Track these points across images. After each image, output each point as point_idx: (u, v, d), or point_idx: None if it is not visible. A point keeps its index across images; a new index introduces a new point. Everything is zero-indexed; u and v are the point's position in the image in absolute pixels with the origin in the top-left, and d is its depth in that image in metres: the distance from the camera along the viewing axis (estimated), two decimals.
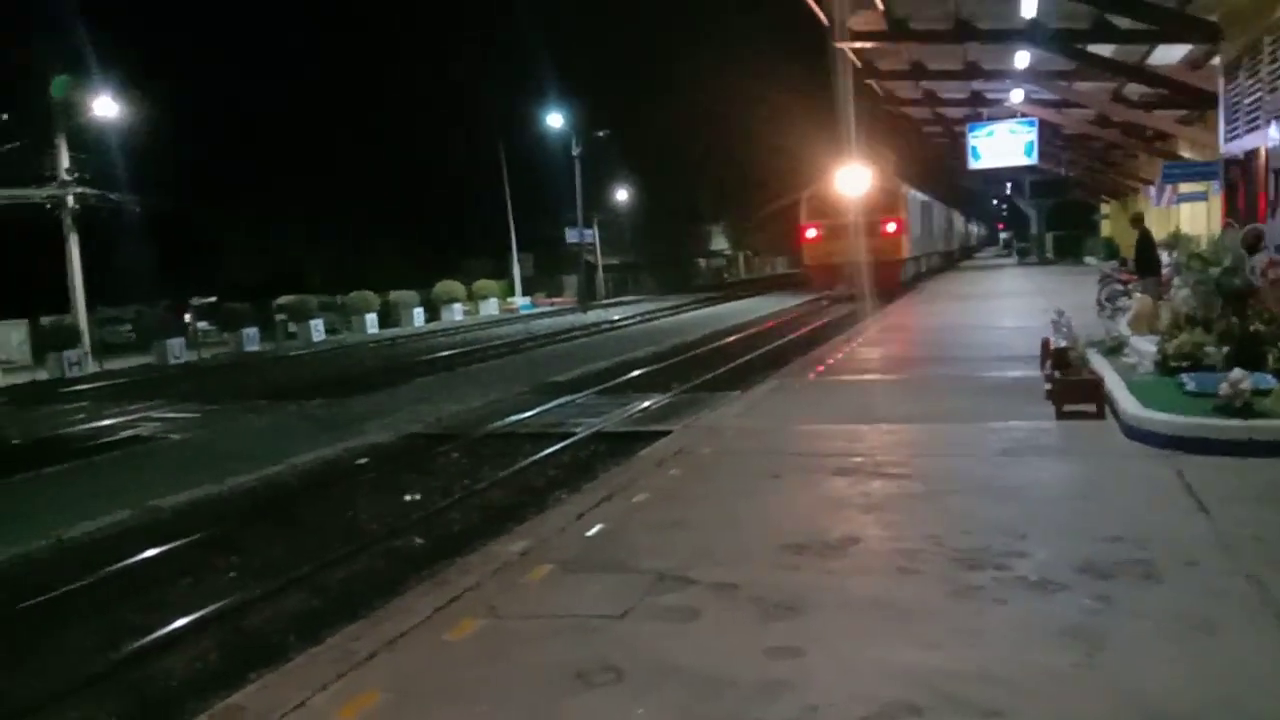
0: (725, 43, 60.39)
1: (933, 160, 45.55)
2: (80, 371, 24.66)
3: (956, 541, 5.13)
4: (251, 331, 30.68)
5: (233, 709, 3.86)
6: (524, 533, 6.04)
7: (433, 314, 39.57)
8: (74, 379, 23.53)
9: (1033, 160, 27.95)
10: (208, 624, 6.03)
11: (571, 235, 49.87)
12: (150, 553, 7.38)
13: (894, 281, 31.12)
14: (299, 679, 4.04)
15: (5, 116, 26.83)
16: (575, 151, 47.25)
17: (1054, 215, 51.88)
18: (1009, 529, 5.29)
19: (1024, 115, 26.08)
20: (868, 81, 22.13)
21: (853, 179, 28.00)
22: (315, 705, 3.75)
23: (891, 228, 32.19)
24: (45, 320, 27.45)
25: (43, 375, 24.23)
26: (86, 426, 14.82)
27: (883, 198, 31.71)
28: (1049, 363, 9.19)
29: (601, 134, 48.29)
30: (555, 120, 47.09)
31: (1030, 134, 26.52)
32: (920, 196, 39.57)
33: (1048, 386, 8.91)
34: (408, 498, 8.93)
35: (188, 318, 31.24)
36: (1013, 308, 21.05)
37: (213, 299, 35.27)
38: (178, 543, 7.59)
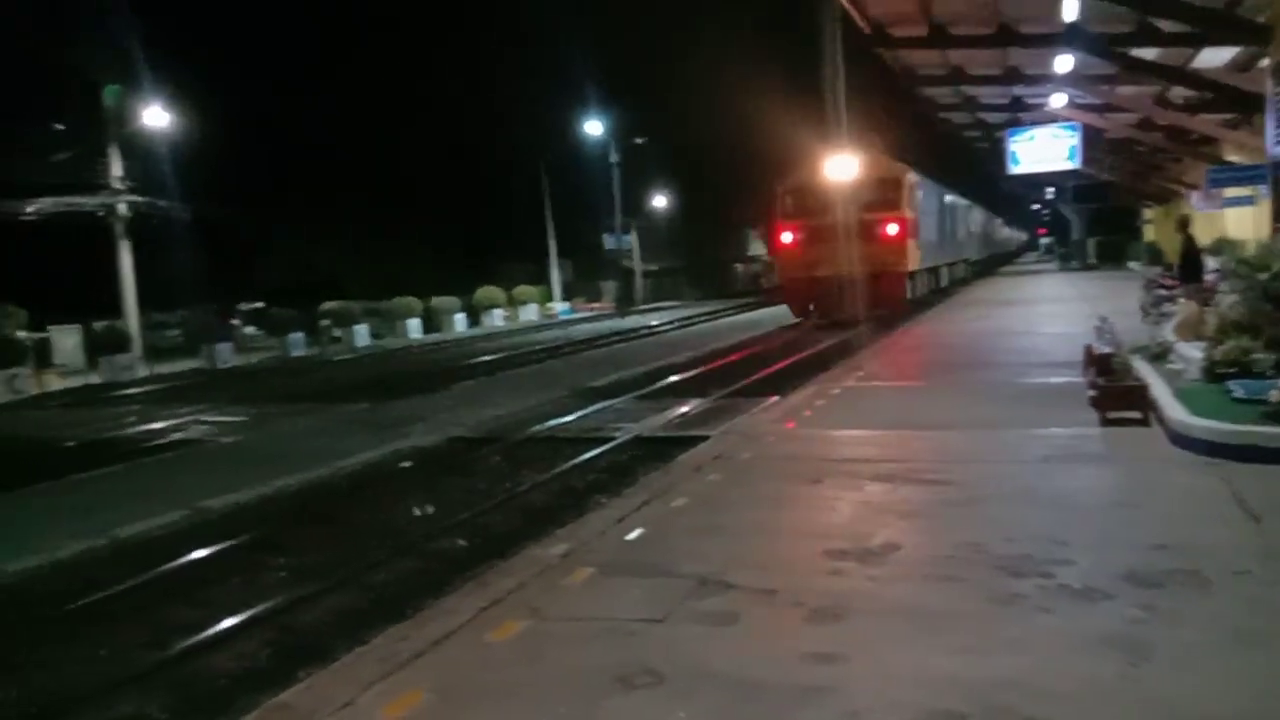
0: (755, 43, 59.84)
1: (970, 162, 45.03)
2: (131, 375, 25.20)
3: (998, 549, 5.10)
4: (297, 336, 31.18)
5: (280, 707, 3.95)
6: (564, 536, 6.11)
7: (473, 319, 39.95)
8: (125, 382, 24.04)
9: (1075, 165, 27.60)
10: (256, 623, 6.16)
11: (609, 241, 50.05)
12: (200, 553, 7.54)
13: (897, 301, 24.56)
14: (345, 678, 4.12)
15: (61, 127, 27.50)
16: (613, 158, 47.45)
17: (1096, 220, 51.12)
18: (1052, 536, 5.25)
19: (1066, 120, 25.80)
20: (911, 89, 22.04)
21: (840, 165, 21.81)
22: (361, 704, 3.83)
23: (893, 229, 24.73)
24: (97, 325, 28.10)
25: (95, 379, 24.78)
26: (138, 429, 15.15)
27: (880, 189, 24.54)
28: (1092, 369, 9.10)
29: (639, 140, 48.45)
30: (593, 127, 47.35)
31: (1072, 139, 26.23)
32: (941, 191, 32.50)
33: (1091, 393, 8.82)
34: (450, 500, 9.03)
35: (235, 322, 31.81)
36: (1054, 314, 20.80)
37: (260, 304, 35.91)
38: (227, 543, 7.75)
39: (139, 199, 27.76)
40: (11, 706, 5.26)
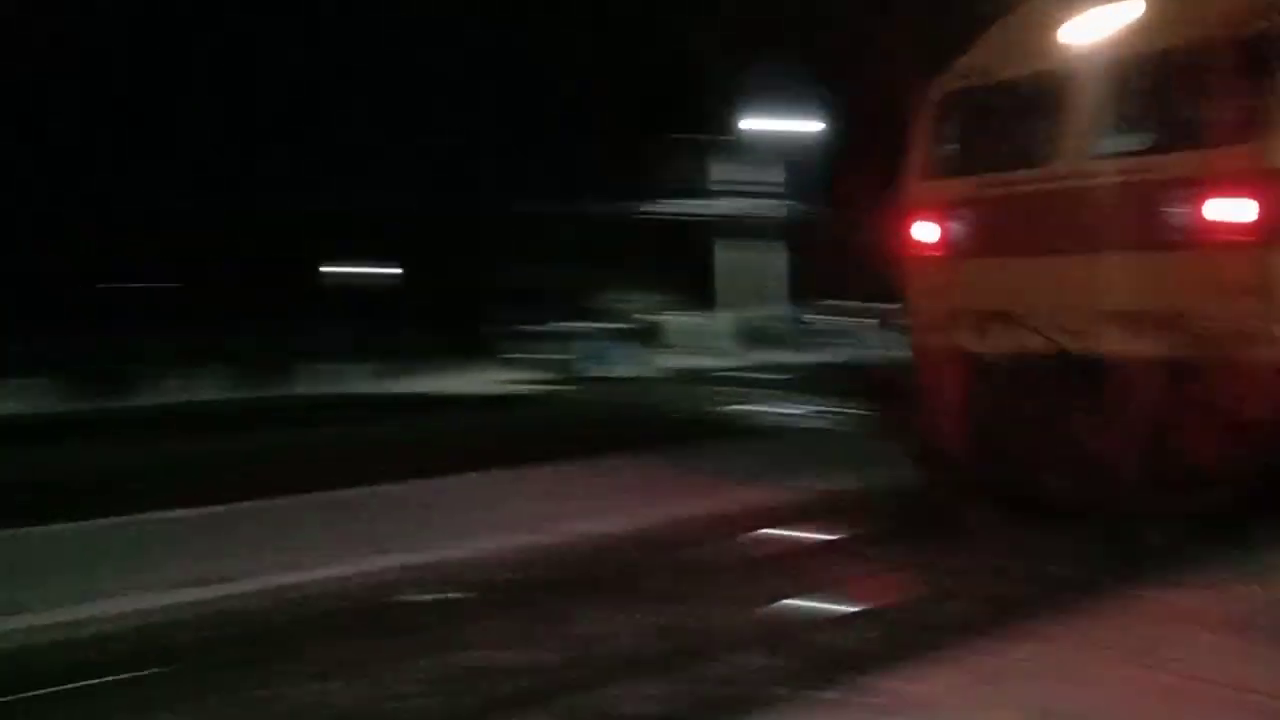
0: None
1: None
2: (765, 361, 28.22)
3: None
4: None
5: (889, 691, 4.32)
6: (1195, 582, 5.60)
7: None
8: (758, 367, 26.99)
9: None
10: (865, 614, 6.37)
11: None
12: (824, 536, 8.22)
13: (1244, 441, 5.88)
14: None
15: (735, 137, 30.94)
16: None
17: None
18: None
19: None
20: None
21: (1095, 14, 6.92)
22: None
23: (1242, 210, 5.82)
24: (739, 315, 32.28)
25: (736, 362, 28.35)
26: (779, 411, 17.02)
27: (1203, 82, 6.40)
28: None
29: None
30: None
31: None
32: None
33: None
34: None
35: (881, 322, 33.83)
36: None
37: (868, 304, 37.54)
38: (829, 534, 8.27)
39: (746, 201, 30.45)
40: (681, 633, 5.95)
